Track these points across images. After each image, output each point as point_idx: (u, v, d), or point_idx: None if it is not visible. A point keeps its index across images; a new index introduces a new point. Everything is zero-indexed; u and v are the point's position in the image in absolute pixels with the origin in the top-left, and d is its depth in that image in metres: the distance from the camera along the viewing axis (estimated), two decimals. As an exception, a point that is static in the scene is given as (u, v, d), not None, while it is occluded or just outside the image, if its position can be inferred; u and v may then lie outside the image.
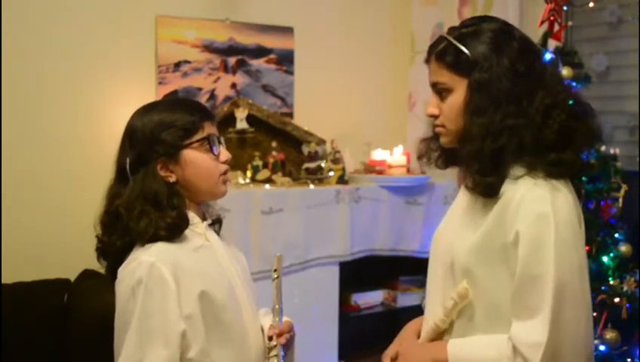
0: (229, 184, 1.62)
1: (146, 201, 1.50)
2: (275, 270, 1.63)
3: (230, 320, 1.53)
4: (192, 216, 1.58)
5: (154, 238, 1.49)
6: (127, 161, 1.53)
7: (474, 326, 1.45)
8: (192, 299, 1.47)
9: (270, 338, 1.59)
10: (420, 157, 1.64)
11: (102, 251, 1.57)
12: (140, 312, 1.43)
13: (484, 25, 1.46)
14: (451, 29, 1.50)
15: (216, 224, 1.67)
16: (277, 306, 1.62)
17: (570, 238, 1.38)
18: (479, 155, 1.40)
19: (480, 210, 1.44)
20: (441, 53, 1.46)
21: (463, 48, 1.43)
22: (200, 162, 1.54)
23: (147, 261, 1.45)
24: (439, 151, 1.59)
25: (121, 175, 1.55)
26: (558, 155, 1.40)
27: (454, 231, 1.51)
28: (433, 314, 1.52)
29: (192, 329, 1.46)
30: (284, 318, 1.64)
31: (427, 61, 1.52)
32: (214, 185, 1.57)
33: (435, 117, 1.50)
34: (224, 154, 1.58)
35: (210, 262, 1.56)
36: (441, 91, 1.48)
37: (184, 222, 1.53)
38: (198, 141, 1.54)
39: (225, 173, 1.59)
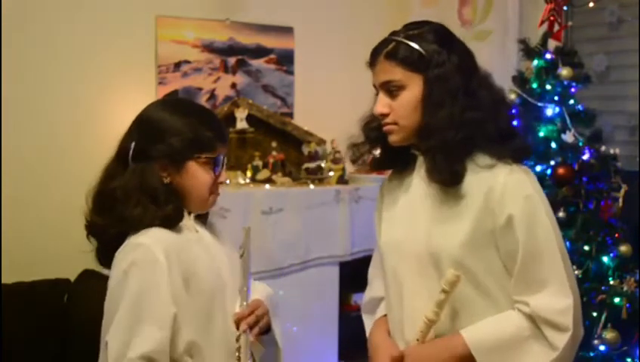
0: (218, 199, 1.62)
1: (143, 194, 1.51)
2: (242, 246, 1.59)
3: (216, 308, 1.53)
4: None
5: (149, 226, 1.49)
6: (132, 146, 1.53)
7: (468, 311, 1.48)
8: (181, 284, 1.47)
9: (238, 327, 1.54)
10: (354, 162, 1.67)
11: (91, 231, 1.56)
12: (132, 293, 1.42)
13: (427, 26, 1.55)
14: (396, 32, 1.56)
15: (202, 218, 1.66)
16: (244, 288, 1.57)
17: (552, 212, 1.51)
18: (445, 146, 1.45)
19: (453, 201, 1.48)
20: (392, 52, 1.52)
21: (416, 45, 1.50)
22: (200, 177, 1.55)
23: (141, 243, 1.47)
24: (380, 152, 1.63)
25: (121, 156, 1.55)
26: (520, 142, 1.53)
27: (429, 227, 1.50)
28: (418, 312, 1.49)
29: (182, 313, 1.46)
30: (252, 297, 1.58)
31: (373, 63, 1.57)
32: (204, 200, 1.58)
33: (385, 115, 1.53)
34: (224, 176, 1.61)
35: (201, 250, 1.56)
36: (392, 89, 1.52)
37: (180, 215, 1.55)
38: (206, 158, 1.55)
39: (217, 191, 1.60)
